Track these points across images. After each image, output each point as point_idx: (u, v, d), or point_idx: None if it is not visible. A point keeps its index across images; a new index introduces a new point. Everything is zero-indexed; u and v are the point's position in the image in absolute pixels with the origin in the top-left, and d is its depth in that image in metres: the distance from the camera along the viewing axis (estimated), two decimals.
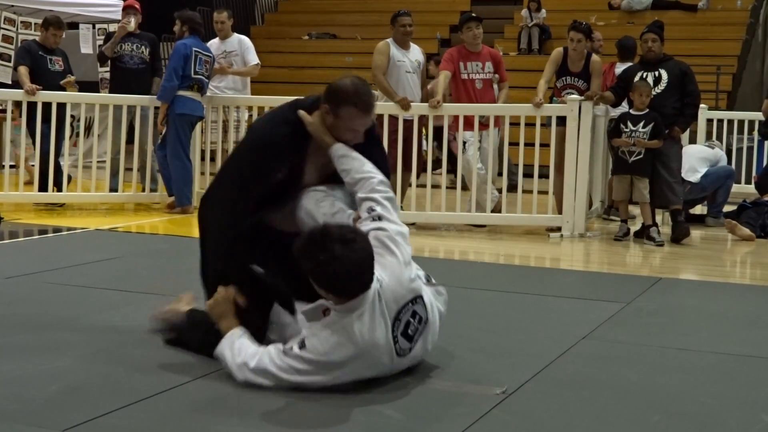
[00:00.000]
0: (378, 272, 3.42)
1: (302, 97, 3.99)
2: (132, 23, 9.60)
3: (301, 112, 3.82)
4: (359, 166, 3.76)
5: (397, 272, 3.46)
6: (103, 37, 12.37)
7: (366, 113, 3.80)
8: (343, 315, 3.37)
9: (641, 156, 7.72)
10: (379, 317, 3.38)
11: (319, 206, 3.79)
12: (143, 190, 9.57)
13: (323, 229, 3.38)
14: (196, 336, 3.87)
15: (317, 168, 3.89)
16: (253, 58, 9.83)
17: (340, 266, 3.28)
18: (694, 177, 8.78)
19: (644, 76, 7.96)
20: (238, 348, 3.54)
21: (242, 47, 9.77)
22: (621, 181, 7.88)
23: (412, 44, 8.82)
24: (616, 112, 8.83)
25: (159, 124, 9.14)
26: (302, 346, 3.40)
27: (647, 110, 7.74)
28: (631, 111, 7.82)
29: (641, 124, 7.70)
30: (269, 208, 3.82)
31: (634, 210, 8.53)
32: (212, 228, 3.95)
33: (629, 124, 7.75)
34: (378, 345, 3.39)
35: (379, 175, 3.76)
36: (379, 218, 3.61)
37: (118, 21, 10.57)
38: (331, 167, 3.84)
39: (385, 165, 3.97)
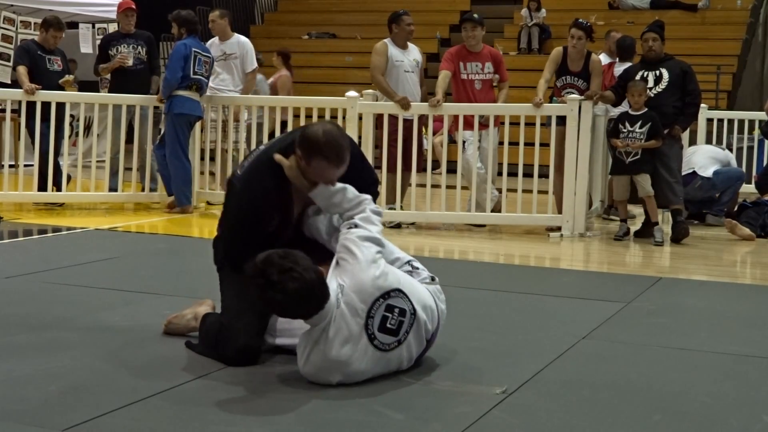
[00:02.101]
0: (339, 279, 3.55)
1: (279, 137, 4.10)
2: (130, 61, 9.62)
3: (278, 157, 3.81)
4: (343, 198, 3.82)
5: (358, 274, 3.55)
6: (102, 36, 12.38)
7: (337, 166, 3.76)
8: (311, 331, 3.53)
9: (638, 156, 7.72)
10: (342, 326, 3.49)
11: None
12: (143, 189, 9.57)
13: (265, 258, 3.42)
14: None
15: (301, 203, 3.97)
16: (251, 65, 9.81)
17: (280, 295, 3.36)
18: (706, 172, 8.79)
19: (645, 75, 7.96)
20: None
21: (242, 50, 9.74)
22: (619, 182, 7.89)
23: (410, 44, 8.82)
24: (615, 112, 8.83)
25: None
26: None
27: (645, 110, 7.74)
28: (629, 111, 7.83)
29: (638, 124, 7.71)
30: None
31: (634, 210, 8.53)
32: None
33: (627, 124, 7.76)
34: (341, 359, 3.49)
35: (363, 196, 3.85)
36: (355, 226, 3.74)
37: (117, 21, 10.58)
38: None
39: (373, 177, 4.15)
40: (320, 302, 3.44)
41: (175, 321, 4.22)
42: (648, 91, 7.85)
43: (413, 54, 8.79)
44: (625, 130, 7.75)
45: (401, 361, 3.62)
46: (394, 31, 8.74)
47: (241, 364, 3.73)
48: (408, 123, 8.56)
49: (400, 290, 3.60)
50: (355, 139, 8.74)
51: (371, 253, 3.62)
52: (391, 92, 8.45)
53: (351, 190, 3.83)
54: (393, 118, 8.47)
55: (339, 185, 3.82)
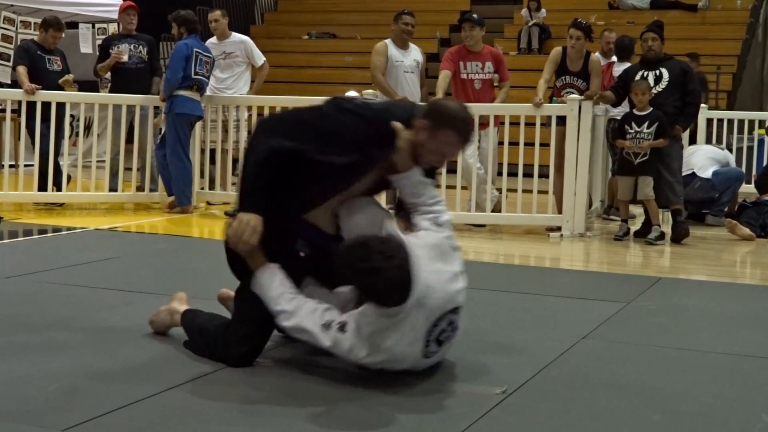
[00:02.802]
0: (429, 280, 3.43)
1: (394, 103, 3.93)
2: (125, 57, 9.61)
3: (397, 125, 3.60)
4: (426, 192, 3.73)
5: (447, 283, 3.52)
6: (102, 36, 12.39)
7: (463, 142, 3.68)
8: (380, 317, 3.44)
9: (647, 157, 7.70)
10: (410, 328, 3.45)
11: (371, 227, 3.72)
12: (142, 189, 9.56)
13: (366, 240, 3.39)
14: (199, 339, 3.91)
15: (373, 178, 3.80)
16: (259, 59, 9.83)
17: (379, 280, 3.32)
18: (705, 173, 8.79)
19: (645, 75, 7.96)
20: (277, 293, 3.63)
21: (245, 48, 9.74)
22: (625, 182, 7.85)
23: (411, 44, 8.83)
24: (615, 112, 8.84)
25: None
26: (342, 329, 3.50)
27: (650, 109, 7.72)
28: (635, 111, 7.79)
29: (645, 124, 7.68)
30: (307, 190, 3.72)
31: (634, 210, 8.53)
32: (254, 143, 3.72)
33: (633, 125, 7.73)
34: (403, 357, 3.49)
35: (440, 198, 3.79)
36: (444, 224, 3.68)
37: (117, 21, 10.58)
38: (380, 182, 3.80)
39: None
40: (408, 295, 3.38)
41: (155, 319, 4.19)
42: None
43: (414, 54, 8.79)
44: (632, 131, 7.72)
45: (425, 366, 3.64)
46: (393, 29, 8.77)
47: (239, 365, 3.70)
48: None
49: (462, 308, 3.61)
50: None
51: (459, 265, 3.61)
52: (391, 92, 8.46)
53: (434, 188, 3.76)
54: None
55: (428, 179, 3.74)
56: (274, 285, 3.64)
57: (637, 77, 7.96)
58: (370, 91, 8.82)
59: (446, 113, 3.62)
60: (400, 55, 8.68)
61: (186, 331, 3.99)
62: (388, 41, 8.76)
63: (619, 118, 8.81)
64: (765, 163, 10.39)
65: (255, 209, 3.57)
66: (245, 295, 3.76)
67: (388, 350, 3.46)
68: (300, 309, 3.59)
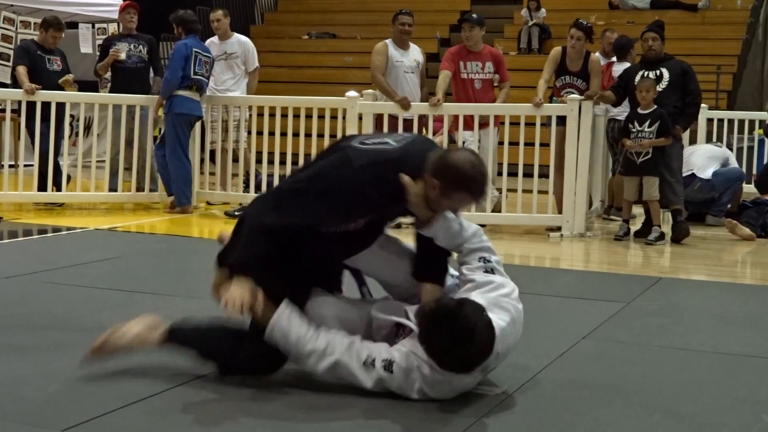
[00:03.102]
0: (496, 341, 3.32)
1: (410, 144, 3.56)
2: (123, 54, 9.61)
3: (406, 179, 3.40)
4: (461, 228, 3.57)
5: (509, 339, 3.46)
6: (103, 36, 12.39)
7: (477, 201, 3.54)
8: (442, 374, 3.32)
9: (649, 156, 7.68)
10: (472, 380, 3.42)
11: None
12: (142, 189, 9.56)
13: (459, 310, 3.23)
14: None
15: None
16: (253, 63, 9.81)
17: (463, 352, 3.21)
18: (704, 174, 8.79)
19: (645, 75, 7.96)
20: (300, 333, 3.43)
21: (244, 50, 9.74)
22: (630, 182, 7.82)
23: (411, 44, 8.83)
24: (615, 112, 8.84)
25: (154, 110, 9.16)
26: (388, 369, 3.36)
27: (654, 108, 7.69)
28: (639, 110, 7.77)
29: (647, 123, 7.67)
30: (322, 259, 3.64)
31: (634, 210, 8.52)
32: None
33: (636, 123, 7.72)
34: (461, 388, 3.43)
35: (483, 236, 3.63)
36: (492, 271, 3.55)
37: (116, 21, 10.57)
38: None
39: None
40: (489, 355, 3.29)
41: (114, 339, 3.67)
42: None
43: (414, 54, 8.80)
44: (634, 130, 7.71)
45: None
46: (391, 29, 8.78)
47: (260, 370, 3.54)
48: (408, 123, 8.56)
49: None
50: None
51: (519, 315, 3.56)
52: (391, 92, 8.46)
53: (455, 216, 3.57)
54: (393, 119, 8.47)
55: (448, 214, 3.55)
56: (294, 328, 3.44)
57: (637, 77, 7.96)
58: (369, 91, 8.82)
59: (460, 174, 3.38)
60: (399, 56, 8.68)
61: (181, 337, 3.67)
62: (388, 41, 8.76)
63: (619, 118, 8.83)
64: (765, 162, 10.38)
65: (246, 275, 3.41)
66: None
67: (442, 395, 3.35)
68: (332, 345, 3.41)
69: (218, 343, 3.62)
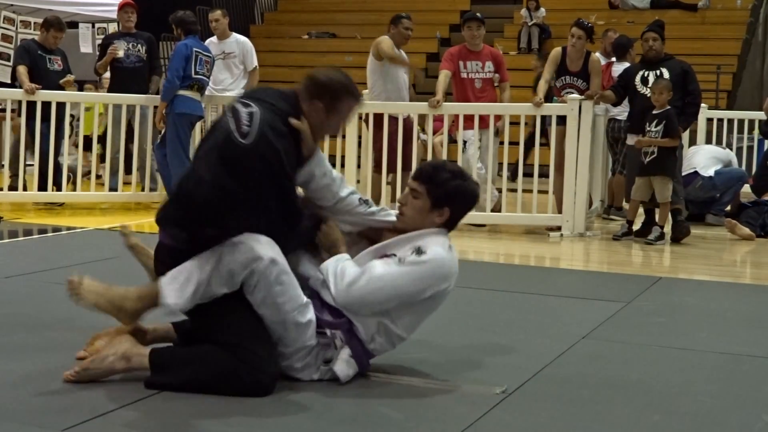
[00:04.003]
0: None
1: (263, 93, 3.55)
2: (121, 53, 9.61)
3: (295, 122, 3.46)
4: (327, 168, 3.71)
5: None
6: (102, 36, 12.38)
7: (360, 102, 3.70)
8: (444, 233, 3.67)
9: (655, 155, 7.66)
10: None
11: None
12: (142, 189, 9.56)
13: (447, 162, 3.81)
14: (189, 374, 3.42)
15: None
16: (252, 62, 9.80)
17: (470, 188, 3.69)
18: (707, 172, 8.78)
19: (645, 75, 7.96)
20: (341, 270, 3.53)
21: (243, 49, 9.73)
22: (637, 182, 7.78)
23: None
24: (615, 112, 8.84)
25: (157, 122, 9.17)
26: (420, 252, 3.52)
27: (666, 108, 7.65)
28: (653, 111, 7.75)
29: (654, 123, 7.66)
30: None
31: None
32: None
33: (647, 123, 7.71)
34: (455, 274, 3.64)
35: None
36: (367, 202, 3.77)
37: (117, 20, 10.57)
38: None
39: None
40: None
41: (93, 366, 3.46)
42: (645, 90, 7.85)
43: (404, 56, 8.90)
44: (647, 130, 7.70)
45: None
46: (391, 31, 8.77)
47: (270, 392, 3.36)
48: (408, 123, 8.58)
49: None
50: (356, 140, 8.80)
51: None
52: (397, 57, 8.67)
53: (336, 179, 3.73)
54: (393, 119, 8.49)
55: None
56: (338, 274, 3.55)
57: (638, 77, 7.96)
58: (365, 91, 8.83)
59: (338, 86, 3.54)
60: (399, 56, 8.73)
61: (165, 368, 3.42)
62: (388, 37, 8.78)
63: (619, 118, 8.84)
64: (759, 164, 10.37)
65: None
66: (234, 308, 3.40)
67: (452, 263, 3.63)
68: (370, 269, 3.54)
69: (224, 360, 3.38)
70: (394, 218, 3.73)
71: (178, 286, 3.38)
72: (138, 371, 3.44)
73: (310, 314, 3.47)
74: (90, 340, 3.73)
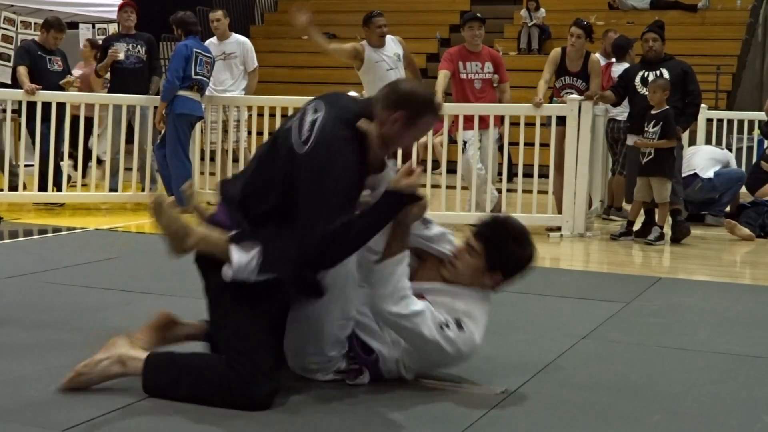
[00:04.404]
0: None
1: (335, 98, 3.51)
2: (122, 55, 9.61)
3: (364, 123, 3.35)
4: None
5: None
6: (102, 36, 12.38)
7: (437, 120, 3.59)
8: (488, 300, 3.61)
9: (651, 156, 7.66)
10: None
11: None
12: (143, 189, 9.57)
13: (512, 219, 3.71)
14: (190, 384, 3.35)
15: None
16: (252, 63, 9.79)
17: (528, 255, 3.63)
18: (706, 174, 8.78)
19: (645, 75, 7.96)
20: (401, 293, 3.38)
21: (243, 50, 9.73)
22: (639, 183, 7.77)
23: (388, 38, 8.78)
24: (615, 112, 8.84)
25: (156, 123, 9.17)
26: (459, 326, 3.46)
27: (664, 108, 7.63)
28: (652, 111, 7.74)
29: (652, 123, 7.65)
30: None
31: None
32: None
33: (646, 123, 7.70)
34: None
35: None
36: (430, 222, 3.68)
37: (117, 21, 10.57)
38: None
39: None
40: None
41: (86, 371, 3.39)
42: (645, 90, 7.85)
43: (391, 48, 8.74)
44: (646, 130, 7.70)
45: None
46: (366, 32, 8.74)
47: (265, 407, 3.26)
48: None
49: None
50: None
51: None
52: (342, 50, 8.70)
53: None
54: None
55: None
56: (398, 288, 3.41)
57: (638, 77, 7.96)
58: (353, 93, 8.79)
59: (420, 99, 3.40)
60: (377, 55, 8.65)
61: (159, 378, 3.37)
62: (363, 43, 8.74)
63: (619, 118, 8.83)
64: (754, 163, 10.38)
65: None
66: (239, 316, 3.35)
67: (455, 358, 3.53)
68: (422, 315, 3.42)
69: (216, 369, 3.33)
70: (450, 248, 3.64)
71: (246, 252, 3.33)
72: (134, 376, 3.38)
73: (348, 331, 3.45)
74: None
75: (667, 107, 7.64)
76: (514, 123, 8.45)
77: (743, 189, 9.31)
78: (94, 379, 3.40)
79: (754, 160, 11.35)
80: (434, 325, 3.39)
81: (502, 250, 3.56)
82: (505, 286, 3.65)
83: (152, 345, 3.55)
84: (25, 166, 9.74)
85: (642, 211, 8.06)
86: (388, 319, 3.40)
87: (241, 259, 3.31)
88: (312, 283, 3.30)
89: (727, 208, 8.96)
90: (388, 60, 8.67)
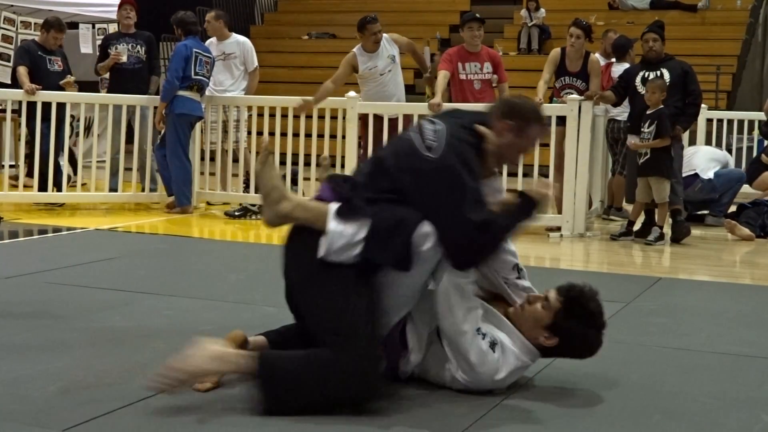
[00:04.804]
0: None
1: (452, 112, 3.74)
2: (124, 57, 9.61)
3: (484, 129, 3.54)
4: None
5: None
6: (102, 36, 12.39)
7: (544, 132, 3.80)
8: (529, 356, 3.53)
9: (648, 156, 7.65)
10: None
11: None
12: (143, 189, 9.57)
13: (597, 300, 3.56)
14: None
15: None
16: (253, 63, 9.78)
17: (591, 342, 3.56)
18: (706, 174, 8.78)
19: (646, 75, 7.95)
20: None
21: (243, 50, 9.72)
22: (639, 183, 7.76)
23: (383, 40, 8.77)
24: (615, 112, 8.85)
25: (156, 123, 9.17)
26: (492, 348, 3.43)
27: (659, 107, 7.63)
28: (647, 110, 7.74)
29: (647, 123, 7.65)
30: None
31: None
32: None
33: (642, 123, 7.70)
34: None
35: None
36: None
37: (117, 20, 10.57)
38: None
39: None
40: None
41: (180, 366, 3.25)
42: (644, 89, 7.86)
43: (385, 51, 8.74)
44: (642, 130, 7.69)
45: None
46: (361, 39, 8.73)
47: (378, 391, 3.28)
48: (407, 122, 8.58)
49: None
50: (355, 140, 8.81)
51: None
52: (330, 86, 8.68)
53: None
54: (393, 120, 8.52)
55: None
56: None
57: (638, 78, 7.96)
58: (352, 93, 8.80)
59: (529, 110, 3.65)
60: (370, 61, 8.66)
61: (274, 376, 3.24)
62: (357, 49, 8.73)
63: (619, 118, 8.83)
64: (754, 157, 10.38)
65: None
66: (338, 299, 3.29)
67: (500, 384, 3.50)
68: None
69: (329, 361, 3.24)
70: (522, 297, 3.65)
71: (347, 223, 3.35)
72: (234, 374, 3.30)
73: (400, 315, 3.46)
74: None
75: (662, 107, 7.64)
76: None
77: (743, 190, 9.29)
78: (188, 376, 3.26)
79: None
80: (474, 324, 3.41)
81: (572, 323, 3.52)
82: (552, 354, 3.60)
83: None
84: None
85: (643, 210, 8.07)
86: (443, 291, 3.40)
87: (338, 228, 3.35)
88: (406, 255, 3.31)
89: (732, 209, 8.94)
90: (381, 65, 8.70)
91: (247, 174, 9.35)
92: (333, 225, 3.36)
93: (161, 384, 3.22)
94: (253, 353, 3.34)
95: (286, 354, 3.37)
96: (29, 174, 9.16)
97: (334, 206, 3.40)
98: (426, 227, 3.33)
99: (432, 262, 3.38)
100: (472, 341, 3.39)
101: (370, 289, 3.34)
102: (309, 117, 9.22)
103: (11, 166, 10.05)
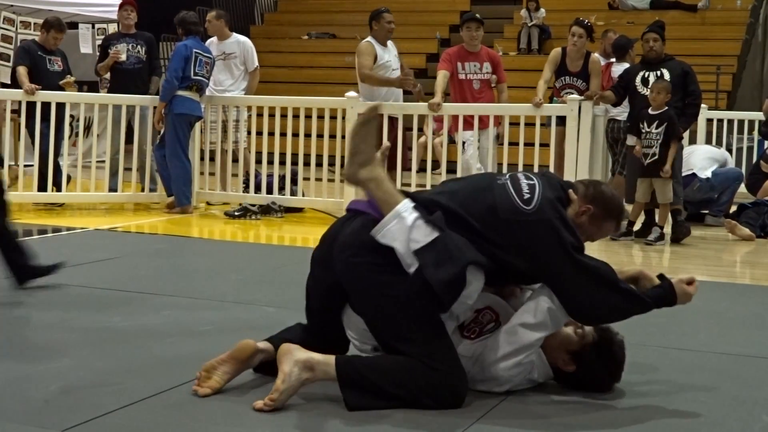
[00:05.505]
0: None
1: (542, 173, 3.75)
2: (123, 56, 9.61)
3: (573, 195, 3.62)
4: None
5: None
6: (102, 36, 12.40)
7: (618, 231, 3.82)
8: (535, 370, 3.55)
9: (656, 157, 7.64)
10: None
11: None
12: (142, 189, 9.57)
13: (617, 339, 3.63)
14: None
15: None
16: (253, 63, 9.78)
17: (601, 382, 3.59)
18: (704, 174, 8.78)
19: (646, 75, 7.95)
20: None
21: (243, 50, 9.71)
22: (640, 184, 7.76)
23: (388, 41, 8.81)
24: (615, 112, 8.84)
25: (155, 123, 9.17)
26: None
27: (665, 109, 7.62)
28: (650, 110, 7.73)
29: (655, 124, 7.63)
30: None
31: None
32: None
33: (645, 124, 7.68)
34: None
35: None
36: None
37: (117, 20, 10.58)
38: None
39: None
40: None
41: (286, 386, 3.26)
42: (646, 90, 7.85)
43: (393, 49, 8.79)
44: (643, 131, 7.68)
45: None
46: (374, 28, 8.71)
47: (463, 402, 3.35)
48: (408, 121, 8.60)
49: None
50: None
51: None
52: (388, 80, 8.46)
53: None
54: (392, 120, 8.50)
55: None
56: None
57: (638, 78, 7.96)
58: (352, 93, 8.79)
59: (614, 206, 3.67)
60: (385, 55, 8.66)
61: (357, 382, 3.29)
62: (371, 40, 8.70)
63: (619, 118, 8.83)
64: (754, 163, 10.38)
65: None
66: (417, 318, 3.33)
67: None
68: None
69: (418, 371, 3.30)
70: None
71: (408, 222, 3.34)
72: (321, 381, 3.31)
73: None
74: (204, 372, 3.43)
75: (667, 108, 7.63)
76: (514, 123, 8.46)
77: (743, 189, 9.30)
78: (292, 391, 3.28)
79: (754, 160, 11.37)
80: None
81: (596, 360, 3.54)
82: (560, 379, 3.59)
83: (233, 375, 3.46)
84: (25, 166, 9.75)
85: (642, 211, 8.06)
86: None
87: (392, 220, 3.35)
88: (459, 282, 3.29)
89: (733, 208, 8.95)
90: (393, 61, 8.70)
91: (246, 174, 9.35)
92: (404, 208, 3.36)
93: (276, 406, 3.23)
94: (329, 358, 3.32)
95: (368, 361, 3.40)
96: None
97: (410, 201, 3.42)
98: (478, 278, 3.33)
99: (460, 308, 3.38)
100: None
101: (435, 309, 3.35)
102: (309, 117, 9.21)
103: (11, 166, 10.04)
